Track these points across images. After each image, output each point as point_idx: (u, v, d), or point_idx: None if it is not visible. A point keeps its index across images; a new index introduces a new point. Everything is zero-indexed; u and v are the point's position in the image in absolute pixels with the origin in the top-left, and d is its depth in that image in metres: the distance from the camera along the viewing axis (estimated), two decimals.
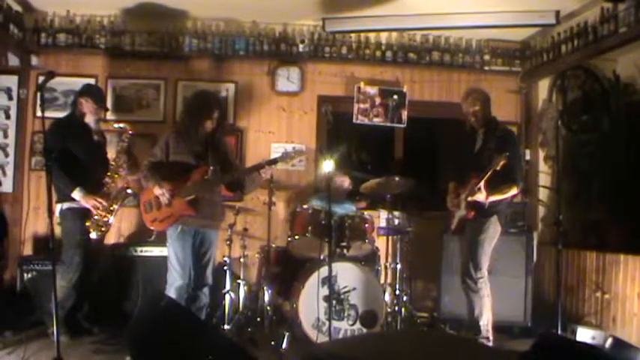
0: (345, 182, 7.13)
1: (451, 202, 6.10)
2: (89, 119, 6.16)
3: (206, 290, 5.78)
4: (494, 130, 5.89)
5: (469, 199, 5.67)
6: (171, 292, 5.50)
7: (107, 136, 6.58)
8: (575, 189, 6.91)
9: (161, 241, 6.07)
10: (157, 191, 5.57)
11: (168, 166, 5.68)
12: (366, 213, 6.60)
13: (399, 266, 6.86)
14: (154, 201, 5.65)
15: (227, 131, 6.54)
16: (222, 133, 5.94)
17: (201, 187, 5.59)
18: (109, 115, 7.19)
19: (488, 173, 5.48)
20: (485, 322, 5.72)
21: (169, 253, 5.62)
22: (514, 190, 5.79)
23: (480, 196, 5.57)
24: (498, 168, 5.43)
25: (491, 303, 5.81)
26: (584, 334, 6.10)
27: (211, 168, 5.64)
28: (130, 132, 6.24)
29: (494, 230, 5.79)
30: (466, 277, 5.80)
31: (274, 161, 5.75)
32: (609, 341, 5.84)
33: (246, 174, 5.97)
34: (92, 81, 7.30)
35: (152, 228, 5.80)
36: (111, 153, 6.34)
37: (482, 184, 5.51)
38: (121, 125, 6.29)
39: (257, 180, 5.97)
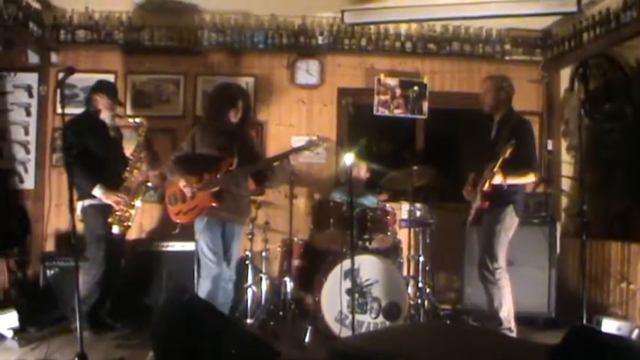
0: (362, 171, 7.09)
1: (467, 193, 6.07)
2: (104, 115, 6.18)
3: (230, 285, 5.78)
4: (509, 120, 5.85)
5: (486, 185, 5.62)
6: (207, 284, 5.53)
7: (124, 132, 6.58)
8: (599, 179, 6.83)
9: (184, 235, 6.06)
10: (182, 183, 5.60)
11: (194, 159, 5.69)
12: (387, 205, 6.58)
13: (421, 258, 6.81)
14: (178, 194, 5.69)
15: (253, 123, 6.55)
16: (248, 124, 5.94)
17: (225, 178, 5.58)
18: (129, 111, 7.23)
19: (499, 161, 5.45)
20: (506, 313, 5.66)
21: (200, 245, 5.61)
22: (531, 176, 5.74)
23: (497, 179, 5.52)
24: (507, 155, 5.39)
25: (514, 294, 5.74)
26: (610, 326, 6.05)
27: (236, 159, 5.62)
28: (147, 126, 6.23)
29: (510, 220, 5.73)
30: (483, 269, 5.74)
31: (301, 149, 5.72)
32: (636, 332, 5.80)
33: (271, 163, 5.88)
34: (111, 77, 7.36)
35: (177, 221, 5.76)
36: (129, 148, 6.34)
37: (495, 170, 5.47)
38: (137, 120, 6.29)
39: (285, 171, 5.99)
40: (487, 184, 5.57)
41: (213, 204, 5.52)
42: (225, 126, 5.71)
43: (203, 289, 5.55)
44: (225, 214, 5.61)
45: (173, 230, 6.16)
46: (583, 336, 2.89)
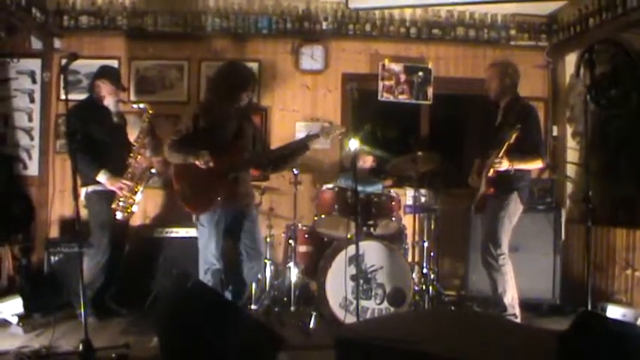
0: (367, 162, 7.08)
1: (472, 180, 6.06)
2: (108, 101, 6.15)
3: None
4: (515, 106, 5.84)
5: (492, 171, 5.60)
6: (207, 276, 5.41)
7: (127, 118, 6.55)
8: (604, 165, 6.82)
9: (186, 220, 6.03)
10: (201, 162, 5.29)
11: (198, 143, 5.42)
12: (392, 191, 6.57)
13: (426, 244, 6.83)
14: (199, 180, 5.39)
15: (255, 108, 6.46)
16: (251, 108, 5.83)
17: (243, 164, 5.51)
18: (133, 97, 7.21)
19: (504, 147, 5.44)
20: (510, 299, 5.67)
21: (205, 236, 5.46)
22: (539, 162, 5.75)
23: (504, 166, 5.51)
24: (512, 140, 5.39)
25: (519, 280, 5.74)
26: (614, 312, 6.06)
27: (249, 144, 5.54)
28: (150, 112, 6.19)
29: (514, 207, 5.73)
30: (485, 255, 5.75)
31: (316, 136, 5.69)
32: None
33: (289, 150, 5.83)
34: (115, 62, 7.32)
35: (194, 212, 5.50)
36: (133, 134, 6.33)
37: (500, 155, 5.46)
38: (141, 105, 6.24)
39: (296, 157, 5.92)
40: (492, 170, 5.56)
41: (233, 192, 5.43)
42: (234, 108, 5.59)
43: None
44: (241, 200, 5.55)
45: (178, 216, 6.13)
46: (591, 322, 2.88)
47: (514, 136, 5.36)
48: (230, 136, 5.55)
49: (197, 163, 5.32)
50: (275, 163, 5.89)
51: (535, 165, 5.78)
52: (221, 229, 5.45)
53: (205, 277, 5.42)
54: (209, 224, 5.42)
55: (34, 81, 7.44)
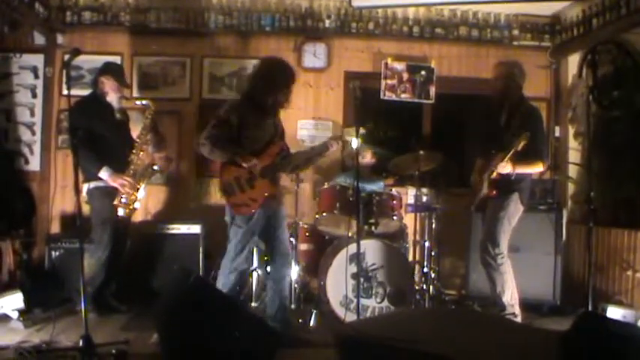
0: (367, 157, 7.06)
1: (474, 179, 6.07)
2: (111, 98, 6.15)
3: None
4: (519, 107, 5.82)
5: (494, 174, 5.60)
6: (232, 277, 5.26)
7: (130, 114, 6.56)
8: (606, 166, 6.81)
9: (188, 217, 6.01)
10: (248, 164, 5.14)
11: (239, 140, 5.24)
12: (394, 190, 6.57)
13: (427, 243, 6.83)
14: (243, 179, 5.23)
15: None
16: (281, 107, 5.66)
17: (282, 165, 5.44)
18: (135, 93, 7.22)
19: (510, 153, 5.44)
20: (509, 298, 5.67)
21: (238, 236, 5.25)
22: (540, 166, 5.76)
23: (507, 169, 5.51)
24: (519, 148, 5.38)
25: (519, 280, 5.76)
26: (615, 313, 6.04)
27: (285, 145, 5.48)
28: (153, 108, 6.19)
29: (514, 208, 5.74)
30: (484, 254, 5.76)
31: (339, 137, 5.65)
32: None
33: (312, 155, 5.74)
34: (118, 58, 7.33)
35: (241, 213, 5.25)
36: (135, 130, 6.33)
37: (505, 160, 5.46)
38: (144, 102, 6.26)
39: (314, 162, 5.98)
40: (495, 174, 5.57)
41: (274, 193, 5.33)
42: (275, 107, 5.40)
43: (225, 282, 5.24)
44: (277, 199, 5.45)
45: (179, 213, 6.08)
46: (592, 323, 2.88)
47: (522, 144, 5.35)
48: (268, 135, 5.40)
49: (244, 164, 5.16)
50: (296, 166, 5.84)
51: (537, 169, 5.79)
52: (257, 231, 5.31)
53: (230, 277, 5.25)
54: (246, 225, 5.24)
55: (36, 76, 7.44)
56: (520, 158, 5.50)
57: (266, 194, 5.23)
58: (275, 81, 5.31)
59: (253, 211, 5.21)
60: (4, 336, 5.20)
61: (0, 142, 7.32)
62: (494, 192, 5.71)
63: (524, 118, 5.66)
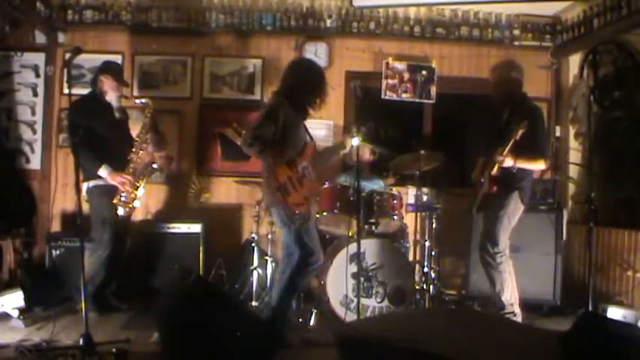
0: (366, 154, 7.04)
1: (475, 176, 6.06)
2: (110, 97, 6.16)
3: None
4: (520, 106, 5.82)
5: (495, 169, 5.60)
6: (308, 274, 5.38)
7: (130, 113, 6.56)
8: (607, 166, 6.80)
9: (188, 216, 6.01)
10: (301, 165, 5.19)
11: (283, 140, 5.23)
12: (394, 189, 6.57)
13: (427, 243, 6.81)
14: (294, 179, 5.20)
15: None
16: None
17: (319, 164, 5.47)
18: (136, 92, 7.22)
19: (510, 143, 5.45)
20: (509, 297, 5.68)
21: (299, 236, 5.22)
22: (542, 164, 5.77)
23: (508, 163, 5.51)
24: (518, 137, 5.39)
25: (519, 280, 5.75)
26: (615, 314, 6.04)
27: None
28: (153, 107, 6.22)
29: (515, 207, 5.74)
30: (483, 253, 5.77)
31: (352, 136, 5.58)
32: None
33: (335, 151, 5.87)
34: (119, 57, 7.34)
35: (300, 212, 5.21)
36: (135, 129, 6.34)
37: (505, 153, 5.46)
38: (143, 100, 6.28)
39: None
40: (496, 168, 5.56)
41: (318, 192, 5.48)
42: (309, 108, 5.46)
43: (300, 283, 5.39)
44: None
45: (180, 212, 6.04)
46: (593, 323, 2.88)
47: (520, 133, 5.36)
48: (304, 136, 5.44)
49: (298, 166, 5.20)
50: (319, 166, 5.83)
51: (538, 166, 5.79)
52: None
53: (307, 275, 5.40)
54: (306, 222, 5.28)
55: (37, 75, 7.44)
56: (521, 154, 5.50)
57: (315, 192, 5.44)
58: (315, 82, 5.41)
59: (308, 207, 5.29)
60: (4, 334, 5.20)
61: (1, 141, 7.32)
62: (495, 188, 5.70)
63: (524, 116, 5.66)
